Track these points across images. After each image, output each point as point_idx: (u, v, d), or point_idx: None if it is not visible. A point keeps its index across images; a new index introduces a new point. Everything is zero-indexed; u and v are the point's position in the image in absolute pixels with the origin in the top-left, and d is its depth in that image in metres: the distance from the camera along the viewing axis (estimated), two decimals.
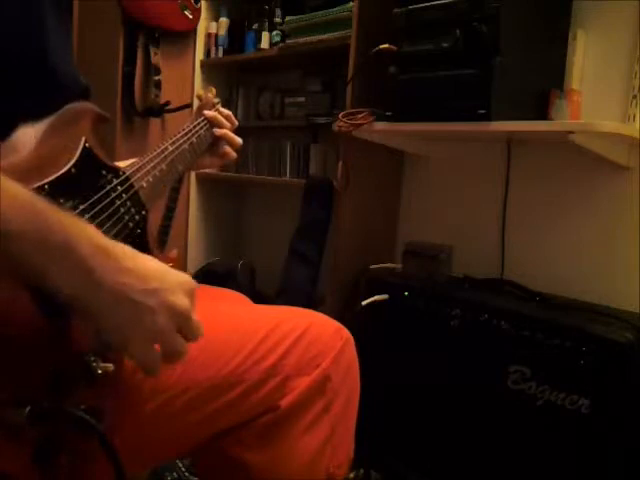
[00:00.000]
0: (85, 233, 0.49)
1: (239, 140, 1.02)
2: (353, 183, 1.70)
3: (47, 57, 0.64)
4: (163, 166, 0.79)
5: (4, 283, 0.48)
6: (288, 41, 1.99)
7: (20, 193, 0.46)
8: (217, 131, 0.99)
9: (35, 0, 0.63)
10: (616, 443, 1.15)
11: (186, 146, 0.87)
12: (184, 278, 0.56)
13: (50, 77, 0.63)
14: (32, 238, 0.45)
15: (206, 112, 0.99)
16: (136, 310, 0.51)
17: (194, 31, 2.23)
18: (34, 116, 0.54)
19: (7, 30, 0.60)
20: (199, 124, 0.95)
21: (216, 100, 1.05)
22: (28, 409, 0.47)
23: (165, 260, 0.80)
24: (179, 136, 0.88)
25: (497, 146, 1.65)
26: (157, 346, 0.54)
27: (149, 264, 0.54)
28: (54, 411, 0.49)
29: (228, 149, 1.00)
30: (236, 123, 1.04)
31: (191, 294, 0.56)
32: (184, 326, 0.55)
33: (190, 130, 0.91)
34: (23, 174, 0.54)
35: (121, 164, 0.74)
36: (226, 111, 1.03)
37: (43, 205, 0.47)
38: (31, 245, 0.45)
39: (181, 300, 0.54)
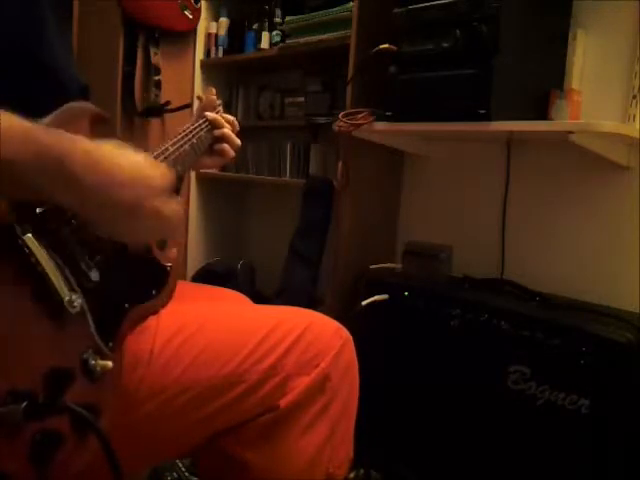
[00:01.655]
0: (76, 149, 0.52)
1: (238, 141, 1.02)
2: (353, 183, 1.70)
3: (46, 57, 0.64)
4: None
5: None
6: (288, 41, 1.99)
7: (14, 119, 0.48)
8: (217, 132, 0.99)
9: (35, 0, 0.63)
10: (616, 443, 1.15)
11: (187, 147, 0.87)
12: (165, 175, 0.61)
13: (49, 76, 0.64)
14: (27, 159, 0.48)
15: (208, 114, 0.99)
16: (128, 210, 0.57)
17: (194, 31, 2.23)
18: (33, 115, 0.54)
19: (7, 30, 0.60)
20: (200, 125, 0.95)
21: (218, 102, 1.05)
22: (24, 405, 0.47)
23: (165, 260, 0.80)
24: (179, 137, 0.88)
25: (497, 146, 1.65)
26: None
27: (131, 166, 0.58)
28: (51, 407, 0.49)
29: (227, 147, 1.01)
30: (238, 128, 1.04)
31: (169, 184, 0.61)
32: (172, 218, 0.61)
33: (191, 131, 0.91)
34: None
35: None
36: (230, 117, 1.03)
37: (37, 129, 0.50)
38: (26, 166, 0.48)
39: (166, 204, 0.60)
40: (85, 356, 0.55)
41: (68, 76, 0.69)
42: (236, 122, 1.04)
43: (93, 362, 0.56)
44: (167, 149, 0.82)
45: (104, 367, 0.56)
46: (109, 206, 0.55)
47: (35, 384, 0.50)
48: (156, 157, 0.79)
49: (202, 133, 0.95)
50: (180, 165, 0.85)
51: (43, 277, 0.53)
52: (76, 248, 0.59)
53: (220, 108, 1.04)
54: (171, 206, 0.61)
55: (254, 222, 2.53)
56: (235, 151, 1.02)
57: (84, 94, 0.72)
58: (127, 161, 0.58)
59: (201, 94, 1.07)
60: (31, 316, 0.52)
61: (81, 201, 0.53)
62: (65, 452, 0.52)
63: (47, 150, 0.50)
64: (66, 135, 0.53)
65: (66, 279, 0.55)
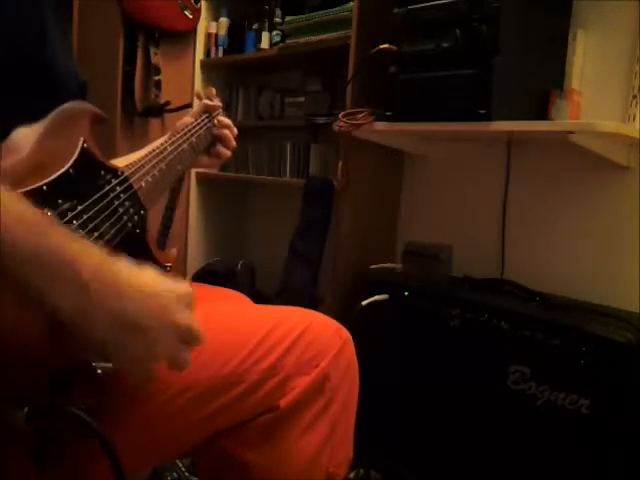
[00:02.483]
0: (88, 254, 0.50)
1: (234, 143, 1.02)
2: (353, 183, 1.70)
3: (46, 55, 0.64)
4: (162, 166, 0.79)
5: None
6: (288, 41, 1.99)
7: (24, 213, 0.46)
8: (216, 131, 0.99)
9: None
10: (616, 443, 1.15)
11: (185, 146, 0.87)
12: (183, 290, 0.56)
13: (48, 74, 0.63)
14: (34, 260, 0.45)
15: (206, 101, 0.99)
16: (134, 332, 0.51)
17: (194, 31, 2.24)
18: (32, 113, 0.54)
19: (6, 29, 0.60)
20: (199, 124, 0.95)
21: (218, 101, 1.05)
22: (27, 409, 0.47)
23: (165, 260, 0.80)
24: (179, 136, 0.88)
25: (497, 146, 1.65)
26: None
27: (147, 281, 0.54)
28: (53, 410, 0.49)
29: (222, 150, 1.01)
30: (236, 132, 1.04)
31: (190, 305, 0.57)
32: (187, 339, 0.56)
33: (190, 130, 0.91)
34: (21, 175, 0.54)
35: (119, 162, 0.74)
36: (228, 121, 1.03)
37: (47, 225, 0.47)
38: (33, 267, 0.45)
39: (183, 317, 0.55)
40: (86, 358, 0.55)
41: (67, 74, 0.69)
42: (234, 128, 1.04)
43: (94, 364, 0.55)
44: (166, 149, 0.82)
45: (105, 369, 0.56)
46: (115, 319, 0.50)
47: (37, 386, 0.50)
48: (155, 156, 0.79)
49: (201, 132, 0.94)
50: (179, 164, 0.85)
51: None
52: None
53: (220, 111, 1.04)
54: (188, 322, 0.55)
55: (254, 222, 2.53)
56: (231, 152, 1.02)
57: (83, 91, 0.72)
58: (138, 275, 0.54)
59: (200, 91, 1.07)
60: (32, 317, 0.52)
61: (82, 310, 0.48)
62: (66, 453, 0.52)
63: (57, 247, 0.47)
64: (76, 235, 0.50)
65: None
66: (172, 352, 0.55)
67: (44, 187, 0.56)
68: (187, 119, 0.98)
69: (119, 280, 0.51)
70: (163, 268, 0.80)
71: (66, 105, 0.62)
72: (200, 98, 1.05)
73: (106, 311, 0.49)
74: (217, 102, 1.02)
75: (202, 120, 0.97)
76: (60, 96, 0.61)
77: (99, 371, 0.55)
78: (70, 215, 0.59)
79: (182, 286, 0.57)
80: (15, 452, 0.49)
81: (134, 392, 0.66)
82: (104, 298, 0.49)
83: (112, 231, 0.67)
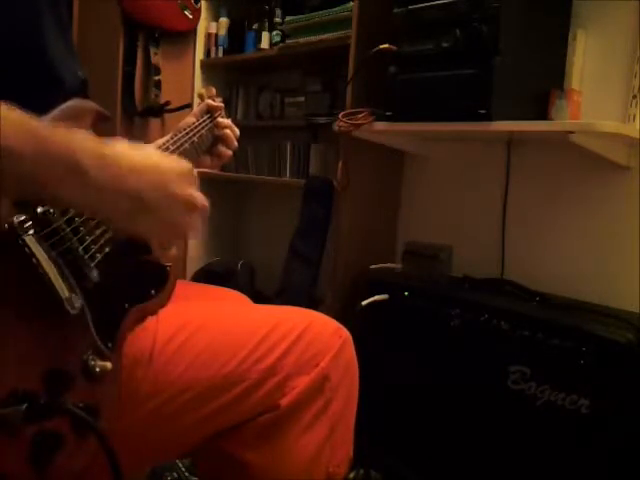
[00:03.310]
0: (87, 145, 0.52)
1: (236, 143, 1.03)
2: (353, 183, 1.70)
3: (40, 49, 0.64)
4: None
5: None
6: (288, 41, 1.99)
7: (20, 116, 0.48)
8: (218, 132, 0.99)
9: None
10: (616, 443, 1.15)
11: (187, 146, 0.87)
12: (180, 166, 0.61)
13: (46, 70, 0.63)
14: (35, 156, 0.47)
15: (209, 101, 1.00)
16: (143, 205, 0.56)
17: (194, 31, 2.23)
18: (30, 108, 0.54)
19: (3, 23, 0.60)
20: (200, 124, 0.95)
21: (220, 100, 1.05)
22: (25, 407, 0.47)
23: (166, 259, 0.80)
24: (181, 135, 0.88)
25: (497, 146, 1.65)
26: None
27: (147, 161, 0.57)
28: (52, 409, 0.49)
29: (224, 149, 1.01)
30: (238, 133, 1.04)
31: (190, 178, 0.61)
32: (191, 208, 0.61)
33: (192, 129, 0.91)
34: None
35: None
36: (227, 121, 1.03)
37: (42, 124, 0.50)
38: (32, 160, 0.47)
39: (182, 188, 0.59)
40: (85, 357, 0.55)
41: (66, 70, 0.69)
42: (235, 128, 1.04)
43: (93, 363, 0.55)
44: (167, 148, 0.82)
45: (103, 368, 0.56)
46: (120, 199, 0.54)
47: (35, 385, 0.50)
48: None
49: (203, 132, 0.94)
50: None
51: (43, 277, 0.53)
52: (76, 248, 0.59)
53: (222, 112, 1.04)
54: (192, 194, 0.60)
55: (254, 222, 2.53)
56: (233, 152, 1.03)
57: (82, 88, 0.72)
58: (138, 153, 0.57)
59: (202, 91, 1.07)
60: (31, 316, 0.52)
61: (93, 197, 0.52)
62: (65, 453, 0.52)
63: (55, 145, 0.49)
64: (74, 130, 0.52)
65: (66, 279, 0.55)
66: (179, 220, 0.60)
67: None
68: (189, 119, 0.98)
69: (118, 163, 0.54)
70: (163, 268, 0.80)
71: (69, 103, 0.62)
72: (202, 99, 1.05)
73: (113, 193, 0.53)
74: (219, 102, 1.02)
75: (204, 120, 0.97)
76: (58, 92, 0.61)
77: (98, 370, 0.55)
78: (71, 214, 0.59)
79: (178, 162, 0.61)
80: (12, 451, 0.49)
81: (134, 392, 0.66)
82: (107, 182, 0.52)
83: (112, 230, 0.67)
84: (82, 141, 0.52)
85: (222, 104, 1.03)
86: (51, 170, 0.49)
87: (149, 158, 0.58)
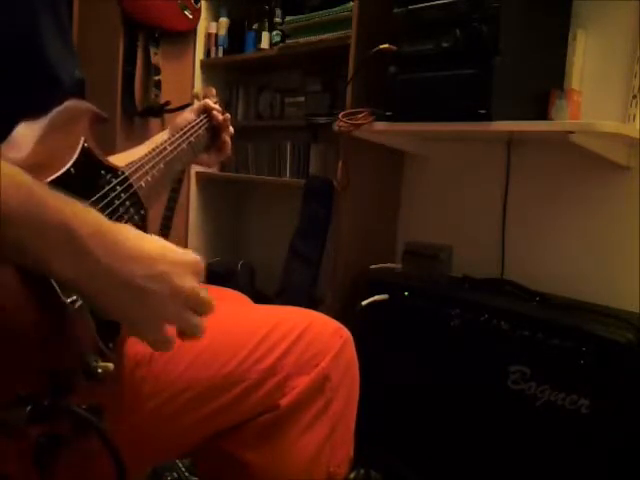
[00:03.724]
0: (85, 217, 0.48)
1: (232, 129, 1.04)
2: (353, 183, 1.70)
3: (41, 51, 0.64)
4: (162, 166, 0.79)
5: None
6: (288, 41, 1.99)
7: (18, 178, 0.45)
8: (217, 117, 0.99)
9: None
10: (616, 443, 1.15)
11: (184, 145, 0.87)
12: (189, 258, 0.56)
13: (40, 69, 0.63)
14: (30, 223, 0.44)
15: (207, 100, 1.00)
16: (140, 295, 0.51)
17: (194, 31, 2.23)
18: (29, 110, 0.53)
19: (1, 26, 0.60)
20: (197, 123, 0.95)
21: (215, 99, 1.05)
22: (29, 408, 0.47)
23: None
24: (178, 135, 0.88)
25: (497, 146, 1.65)
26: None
27: (152, 245, 0.53)
28: (55, 410, 0.49)
29: (227, 138, 1.02)
30: (232, 131, 1.05)
31: (197, 272, 0.56)
32: (194, 305, 0.55)
33: (189, 129, 0.91)
34: None
35: (118, 159, 0.73)
36: (217, 107, 1.03)
37: (42, 190, 0.46)
38: (30, 230, 0.44)
39: (187, 282, 0.54)
40: (86, 358, 0.55)
41: (63, 70, 0.68)
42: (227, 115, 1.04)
43: (95, 364, 0.55)
44: (165, 148, 0.82)
45: (105, 368, 0.56)
46: (120, 285, 0.49)
47: (37, 386, 0.50)
48: (154, 155, 0.79)
49: (200, 131, 0.94)
50: (178, 163, 0.85)
51: (44, 278, 0.53)
52: None
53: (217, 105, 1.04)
54: (196, 289, 0.54)
55: (254, 222, 2.53)
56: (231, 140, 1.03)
57: (79, 89, 0.72)
58: (142, 237, 0.53)
59: (199, 90, 1.07)
60: (32, 317, 0.52)
61: (86, 273, 0.47)
62: (68, 453, 0.52)
63: (52, 213, 0.45)
64: (72, 200, 0.48)
65: None
66: (179, 317, 0.54)
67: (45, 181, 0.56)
68: (188, 115, 0.98)
69: (120, 243, 0.50)
70: None
71: (67, 104, 0.62)
72: (199, 99, 1.05)
73: (110, 274, 0.48)
74: (217, 106, 1.02)
75: (201, 120, 0.97)
76: (55, 92, 0.61)
77: (100, 370, 0.55)
78: None
79: (186, 253, 0.56)
80: (16, 452, 0.49)
81: (135, 392, 0.66)
82: (107, 261, 0.48)
83: None
84: (80, 209, 0.48)
85: (220, 108, 1.03)
86: (44, 235, 0.44)
87: (153, 243, 0.54)
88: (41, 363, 0.51)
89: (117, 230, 0.51)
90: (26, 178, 0.45)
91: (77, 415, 0.51)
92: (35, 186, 0.45)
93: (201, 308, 0.56)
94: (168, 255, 0.54)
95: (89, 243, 0.47)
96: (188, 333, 0.56)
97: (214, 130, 1.01)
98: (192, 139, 0.90)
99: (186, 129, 0.90)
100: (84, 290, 0.49)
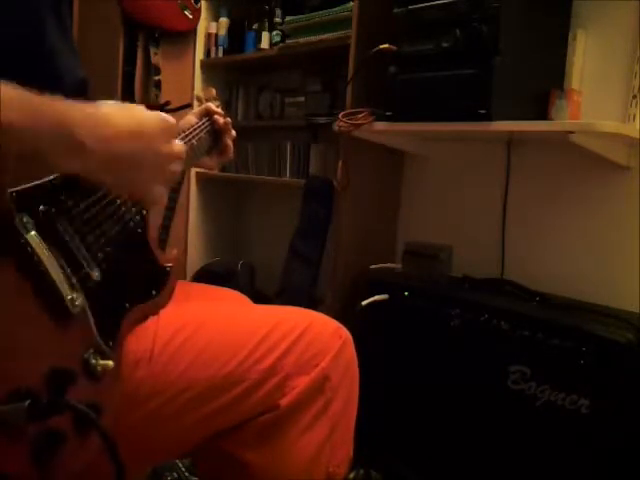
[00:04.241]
0: (77, 114, 0.54)
1: (234, 133, 1.07)
2: (353, 183, 1.70)
3: (46, 51, 0.64)
4: None
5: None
6: (288, 41, 1.99)
7: (12, 87, 0.49)
8: (219, 120, 1.00)
9: None
10: (616, 443, 1.15)
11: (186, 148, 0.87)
12: (162, 122, 0.65)
13: (46, 70, 0.64)
14: (33, 127, 0.49)
15: (210, 104, 1.00)
16: (131, 167, 0.60)
17: (194, 31, 2.23)
18: None
19: (4, 27, 0.60)
20: (199, 126, 0.95)
21: (217, 102, 1.05)
22: (27, 404, 0.47)
23: (165, 260, 0.80)
24: (179, 138, 0.88)
25: (497, 146, 1.65)
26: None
27: (132, 121, 0.61)
28: (54, 407, 0.49)
29: (229, 141, 1.02)
30: (234, 135, 1.06)
31: (171, 132, 0.67)
32: (173, 159, 0.66)
33: (191, 132, 0.91)
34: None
35: None
36: (219, 111, 1.04)
37: (36, 96, 0.51)
38: (33, 134, 0.49)
39: (164, 144, 0.64)
40: (86, 356, 0.55)
41: (67, 70, 0.69)
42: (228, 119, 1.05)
43: (94, 362, 0.55)
44: None
45: (105, 367, 0.56)
46: (111, 161, 0.57)
47: (37, 384, 0.50)
48: None
49: (202, 135, 0.94)
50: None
51: (45, 276, 0.53)
52: (78, 247, 0.59)
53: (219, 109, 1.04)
54: (172, 148, 0.65)
55: (254, 222, 2.53)
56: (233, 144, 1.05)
57: (83, 88, 0.72)
58: (124, 116, 0.61)
59: (200, 93, 1.07)
60: (32, 315, 0.52)
61: (84, 161, 0.55)
62: (67, 452, 0.52)
63: (49, 116, 0.51)
64: (64, 101, 0.54)
65: (68, 278, 0.55)
66: (162, 173, 0.65)
67: (49, 184, 0.56)
68: (190, 118, 0.98)
69: (109, 124, 0.58)
70: (163, 268, 0.80)
71: None
72: (201, 102, 1.05)
73: (100, 155, 0.56)
74: (219, 110, 1.03)
75: (203, 123, 0.97)
76: (59, 92, 0.61)
77: (99, 369, 0.55)
78: (73, 212, 0.59)
79: (162, 118, 0.65)
80: (15, 450, 0.49)
81: (134, 391, 0.66)
82: (97, 146, 0.55)
83: (114, 230, 0.67)
84: (76, 111, 0.55)
85: (221, 112, 1.03)
86: (51, 143, 0.51)
87: (133, 117, 0.62)
88: (40, 360, 0.51)
89: (104, 118, 0.58)
90: (30, 96, 0.51)
91: (76, 411, 0.51)
92: (38, 101, 0.51)
93: (178, 160, 0.67)
94: (146, 123, 0.63)
95: (87, 139, 0.54)
96: (171, 180, 0.68)
97: (216, 133, 1.01)
98: (194, 142, 0.90)
99: (188, 132, 0.90)
100: (88, 177, 0.58)
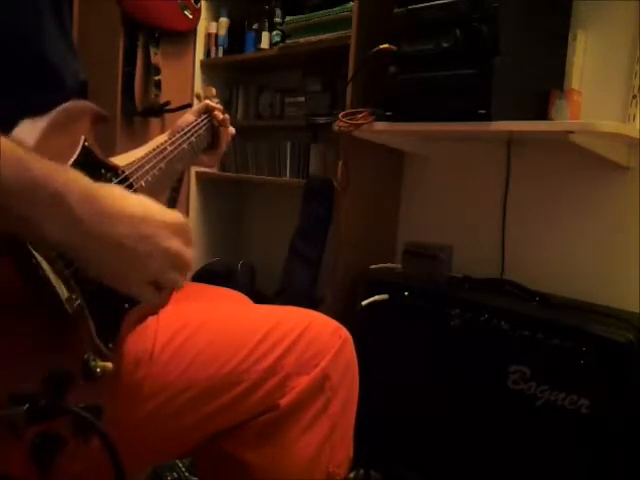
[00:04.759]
0: (73, 181, 0.50)
1: (233, 130, 1.06)
2: (353, 183, 1.70)
3: (42, 51, 0.64)
4: (162, 165, 0.79)
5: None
6: (288, 41, 1.99)
7: (6, 146, 0.46)
8: (219, 116, 1.00)
9: None
10: (616, 443, 1.15)
11: (185, 146, 0.88)
12: (173, 218, 0.58)
13: (45, 70, 0.64)
14: (20, 188, 0.45)
15: (208, 101, 1.00)
16: (126, 256, 0.53)
17: (194, 31, 2.23)
18: (32, 111, 0.54)
19: (4, 27, 0.60)
20: (198, 124, 0.95)
21: (216, 100, 1.05)
22: (26, 407, 0.47)
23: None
24: (179, 135, 0.88)
25: (497, 146, 1.65)
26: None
27: (138, 209, 0.55)
28: (53, 410, 0.49)
29: (227, 136, 1.03)
30: (233, 131, 1.06)
31: (181, 232, 0.58)
32: (177, 265, 0.58)
33: (190, 129, 0.91)
34: None
35: (118, 160, 0.74)
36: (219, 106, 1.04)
37: (35, 160, 0.47)
38: (19, 195, 0.45)
39: (172, 243, 0.56)
40: (85, 357, 0.55)
41: (66, 72, 0.69)
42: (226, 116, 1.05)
43: (93, 363, 0.55)
44: (165, 148, 0.82)
45: (104, 368, 0.56)
46: (107, 243, 0.51)
47: (36, 387, 0.50)
48: (155, 155, 0.79)
49: (201, 132, 0.95)
50: (179, 163, 0.85)
51: (44, 279, 0.53)
52: None
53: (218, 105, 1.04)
54: (181, 247, 0.57)
55: (254, 222, 2.53)
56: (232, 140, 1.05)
57: (82, 90, 0.72)
58: (129, 198, 0.55)
59: (200, 91, 1.08)
60: (31, 318, 0.52)
61: (75, 237, 0.49)
62: (66, 454, 0.52)
63: (42, 180, 0.47)
64: (62, 167, 0.50)
65: (66, 280, 0.55)
66: (163, 275, 0.56)
67: None
68: (188, 117, 0.98)
69: (107, 205, 0.51)
70: None
71: (68, 103, 0.62)
72: (200, 99, 1.05)
73: (96, 235, 0.50)
74: (218, 105, 1.03)
75: (202, 120, 0.97)
76: (59, 93, 0.61)
77: (98, 370, 0.55)
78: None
79: (172, 214, 0.58)
80: (16, 452, 0.49)
81: (134, 392, 0.66)
82: (91, 222, 0.50)
83: None
84: (71, 176, 0.50)
85: (220, 106, 1.03)
86: (35, 203, 0.46)
87: (140, 205, 0.55)
88: (39, 363, 0.51)
89: (105, 194, 0.52)
90: (20, 150, 0.47)
91: (76, 415, 0.51)
92: (29, 157, 0.47)
93: (184, 269, 0.59)
94: (156, 216, 0.56)
95: (78, 209, 0.48)
96: (169, 287, 0.59)
97: (214, 130, 1.01)
98: (193, 139, 0.90)
99: (187, 129, 0.90)
100: (74, 252, 0.51)
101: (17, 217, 0.46)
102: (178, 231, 0.58)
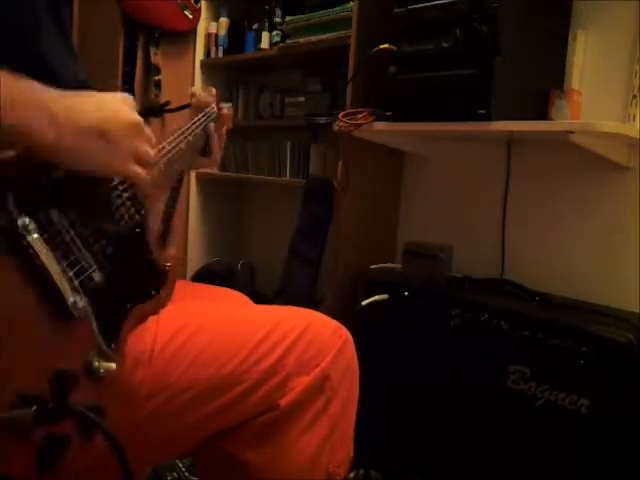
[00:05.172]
0: (57, 99, 0.57)
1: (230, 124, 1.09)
2: (353, 183, 1.70)
3: (44, 55, 0.64)
4: (161, 165, 0.79)
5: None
6: (288, 41, 1.99)
7: (6, 77, 0.51)
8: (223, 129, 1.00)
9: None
10: (616, 443, 1.15)
11: (183, 145, 0.88)
12: (123, 97, 0.67)
13: (44, 71, 0.64)
14: (18, 106, 0.52)
15: (225, 111, 1.01)
16: (100, 137, 0.60)
17: (194, 31, 2.23)
18: None
19: (2, 28, 0.60)
20: (195, 123, 0.95)
21: (213, 99, 1.05)
22: (34, 409, 0.47)
23: (165, 259, 0.80)
24: (176, 135, 0.88)
25: (497, 146, 1.65)
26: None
27: (95, 97, 0.63)
28: (61, 411, 0.49)
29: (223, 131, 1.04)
30: (231, 125, 1.06)
31: (134, 106, 0.68)
32: (144, 136, 0.67)
33: (187, 129, 0.91)
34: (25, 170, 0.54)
35: None
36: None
37: (25, 84, 0.54)
38: (18, 111, 0.52)
39: (131, 116, 0.65)
40: (89, 358, 0.55)
41: (66, 73, 0.69)
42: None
43: (97, 364, 0.55)
44: (164, 147, 0.82)
45: (108, 369, 0.56)
46: (79, 130, 0.58)
47: (41, 388, 0.50)
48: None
49: (198, 131, 0.95)
50: (178, 163, 0.85)
51: (47, 279, 0.53)
52: (79, 249, 0.59)
53: (214, 107, 1.04)
54: (137, 118, 0.66)
55: (254, 222, 2.53)
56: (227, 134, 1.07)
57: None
58: (89, 94, 0.63)
59: (195, 90, 1.07)
60: (35, 319, 0.52)
61: (59, 137, 0.56)
62: (71, 454, 0.52)
63: (35, 99, 0.54)
64: (51, 90, 0.56)
65: (70, 281, 0.55)
66: (139, 147, 0.65)
67: (50, 186, 0.56)
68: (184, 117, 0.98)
69: (83, 113, 0.60)
70: (163, 268, 0.80)
71: None
72: (194, 96, 1.05)
73: (74, 133, 0.58)
74: (210, 98, 1.03)
75: (199, 119, 0.97)
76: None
77: (102, 371, 0.55)
78: (74, 214, 0.59)
79: (125, 95, 0.67)
80: (20, 453, 0.49)
81: (135, 392, 0.66)
82: (72, 126, 0.58)
83: (113, 229, 0.67)
84: (55, 95, 0.57)
85: (210, 98, 1.03)
86: (34, 117, 0.54)
87: (95, 95, 0.64)
88: (44, 364, 0.51)
89: (80, 105, 0.60)
90: (11, 77, 0.53)
91: (82, 416, 0.51)
92: (21, 82, 0.54)
93: (151, 139, 0.68)
94: (109, 100, 0.65)
95: (60, 116, 0.56)
96: (145, 160, 0.67)
97: (207, 133, 1.01)
98: (190, 138, 0.90)
99: (183, 129, 0.90)
100: (60, 151, 0.57)
101: (19, 132, 0.52)
102: (131, 105, 0.67)
